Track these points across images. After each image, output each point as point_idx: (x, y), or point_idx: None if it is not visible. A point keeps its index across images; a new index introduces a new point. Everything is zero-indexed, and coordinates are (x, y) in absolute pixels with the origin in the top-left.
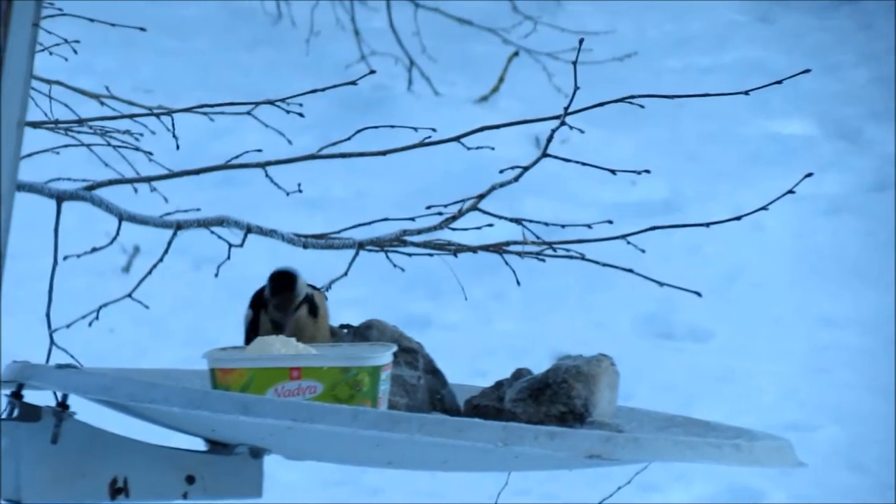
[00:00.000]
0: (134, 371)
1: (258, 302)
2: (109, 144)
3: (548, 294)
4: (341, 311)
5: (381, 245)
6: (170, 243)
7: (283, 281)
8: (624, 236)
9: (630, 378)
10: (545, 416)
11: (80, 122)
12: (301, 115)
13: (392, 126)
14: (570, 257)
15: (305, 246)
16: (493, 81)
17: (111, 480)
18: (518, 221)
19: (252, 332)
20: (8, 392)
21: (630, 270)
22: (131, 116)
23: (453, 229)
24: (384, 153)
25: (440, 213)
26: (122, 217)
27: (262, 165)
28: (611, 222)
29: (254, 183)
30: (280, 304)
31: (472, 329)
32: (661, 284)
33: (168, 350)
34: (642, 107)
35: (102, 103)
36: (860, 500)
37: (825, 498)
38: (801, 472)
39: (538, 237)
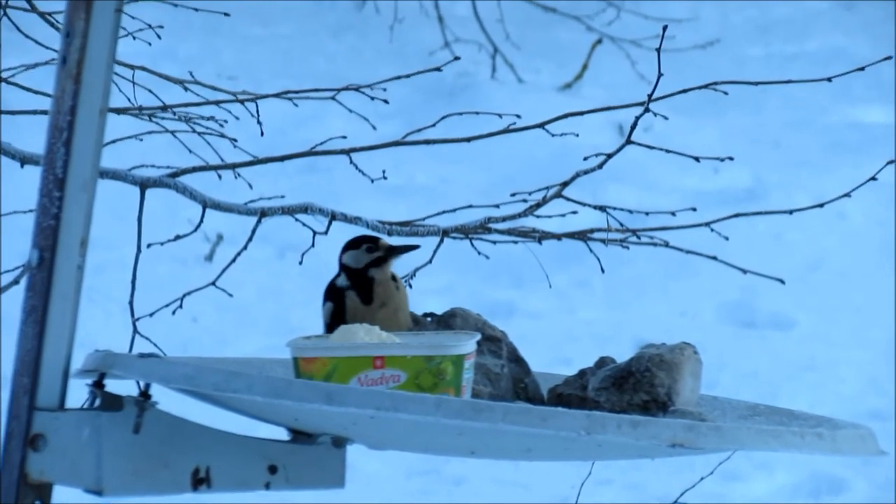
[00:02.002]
0: (217, 360)
1: (335, 292)
2: (193, 131)
3: (631, 282)
4: (425, 299)
5: (466, 232)
6: (254, 231)
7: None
8: (707, 224)
9: (713, 366)
10: (628, 404)
11: (164, 108)
12: (385, 101)
13: (476, 113)
14: (654, 244)
15: (390, 233)
16: (576, 69)
17: (193, 471)
18: (602, 209)
19: (335, 323)
20: (90, 381)
21: (714, 258)
22: (216, 102)
23: (537, 216)
24: (468, 140)
25: (524, 201)
26: (206, 204)
27: (347, 152)
28: (694, 210)
29: (338, 170)
30: (372, 245)
31: (556, 317)
32: (745, 272)
33: (251, 339)
34: (726, 94)
35: (186, 89)
36: None
37: None
38: (882, 461)
39: (622, 224)
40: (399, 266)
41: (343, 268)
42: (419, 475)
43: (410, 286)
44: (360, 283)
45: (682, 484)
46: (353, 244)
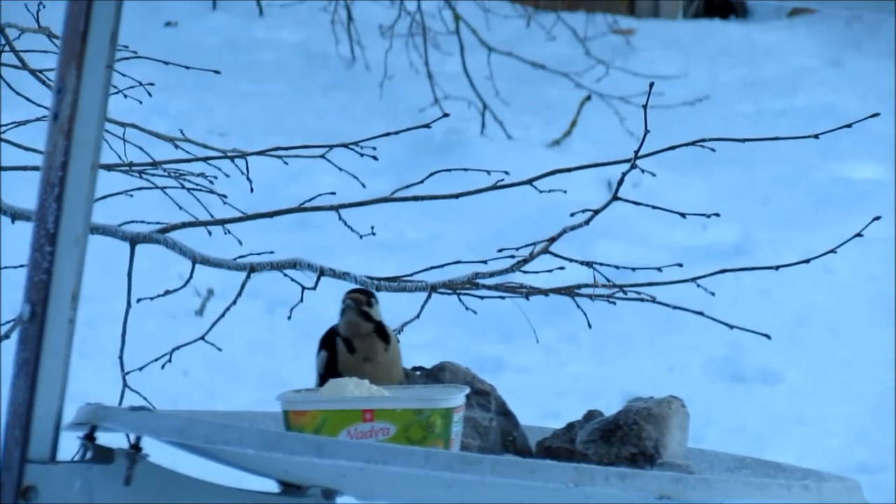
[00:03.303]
0: (207, 413)
1: (329, 341)
2: (183, 187)
3: (619, 337)
4: (414, 353)
5: (454, 288)
6: (243, 286)
7: (358, 289)
8: (694, 279)
9: (700, 420)
10: (616, 457)
11: (155, 164)
12: (375, 157)
13: (465, 169)
14: (641, 300)
15: (378, 288)
16: (565, 125)
17: None
18: (589, 264)
19: (328, 373)
20: (81, 434)
21: (700, 313)
22: (205, 159)
23: (525, 272)
24: (457, 196)
25: (512, 256)
26: (196, 260)
27: (336, 208)
28: (681, 265)
29: (327, 226)
30: (355, 300)
31: (544, 371)
32: (732, 327)
33: (241, 392)
34: (713, 150)
35: (177, 146)
36: None
37: None
38: None
39: (609, 280)
40: (388, 320)
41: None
42: None
43: (399, 340)
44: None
45: None
46: (352, 293)
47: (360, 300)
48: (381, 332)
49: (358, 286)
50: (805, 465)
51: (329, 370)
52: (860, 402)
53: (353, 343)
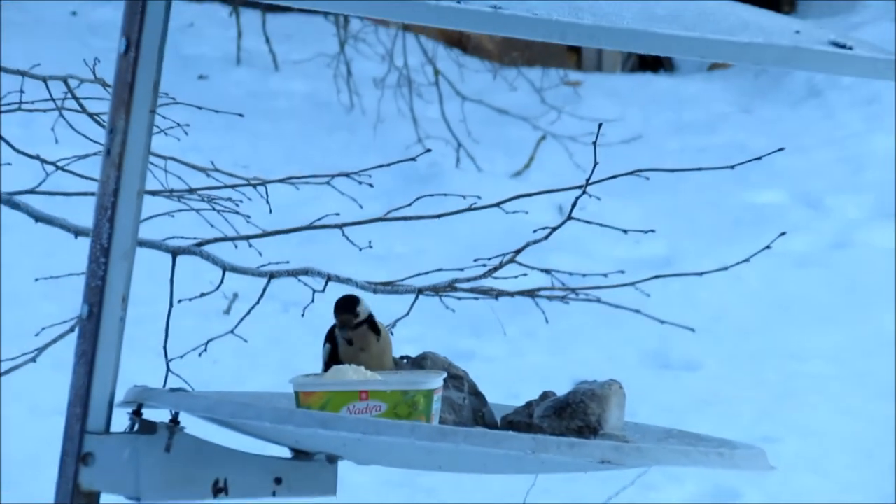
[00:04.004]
0: (233, 394)
1: (332, 335)
2: (214, 209)
3: (570, 331)
4: (402, 345)
5: (436, 291)
6: (264, 290)
7: (343, 304)
8: (632, 283)
9: (635, 399)
10: (566, 429)
11: (191, 191)
12: (370, 185)
13: (444, 195)
14: (589, 300)
15: (375, 291)
16: (525, 160)
17: (214, 482)
18: (547, 272)
19: (331, 361)
20: (130, 410)
21: (637, 311)
22: (232, 186)
23: (495, 278)
24: (438, 217)
25: (484, 265)
26: (225, 268)
27: (339, 226)
28: (622, 272)
29: (332, 241)
30: (343, 323)
31: (508, 360)
32: (662, 322)
33: (262, 377)
34: (647, 179)
35: (209, 175)
36: (821, 500)
37: (791, 497)
38: (772, 475)
39: (563, 284)
40: (382, 318)
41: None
42: (397, 486)
43: (392, 333)
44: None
45: (610, 492)
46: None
47: (348, 321)
48: (373, 325)
49: (344, 297)
50: (720, 436)
51: (332, 359)
52: (764, 386)
53: (350, 338)
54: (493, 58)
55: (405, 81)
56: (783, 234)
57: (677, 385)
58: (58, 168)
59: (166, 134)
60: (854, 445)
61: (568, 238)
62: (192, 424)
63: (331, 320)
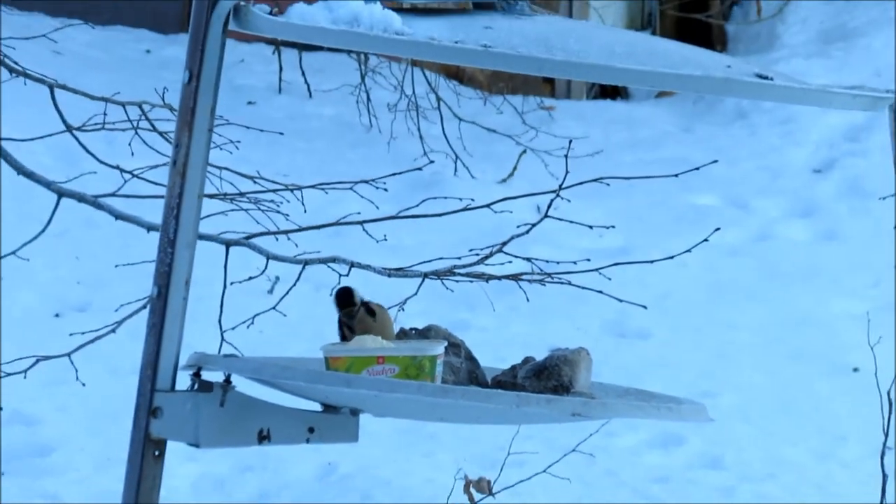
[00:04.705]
0: (274, 359)
1: (338, 324)
2: (259, 209)
3: (546, 308)
4: (411, 319)
5: (439, 275)
6: (300, 274)
7: (343, 298)
8: (596, 269)
9: (599, 363)
10: (544, 388)
11: (241, 194)
12: (385, 190)
13: (445, 198)
14: (562, 283)
15: (389, 275)
16: (509, 169)
17: (259, 430)
18: (528, 260)
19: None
20: (191, 372)
21: (600, 292)
22: (274, 191)
23: (486, 265)
24: (440, 215)
25: (477, 255)
26: (269, 257)
27: (360, 223)
28: (588, 260)
29: (354, 235)
30: (348, 314)
31: (497, 331)
32: (620, 301)
33: (298, 345)
34: (608, 185)
35: (255, 182)
36: (750, 443)
37: (726, 443)
38: (711, 425)
39: (541, 270)
40: (392, 298)
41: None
42: (406, 433)
43: (403, 310)
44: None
45: (578, 437)
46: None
47: (350, 312)
48: (368, 309)
49: (341, 290)
50: (668, 393)
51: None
52: (704, 352)
53: (352, 325)
54: (484, 87)
55: (413, 106)
56: (717, 229)
57: (633, 351)
58: (134, 176)
59: (221, 149)
60: (775, 399)
61: (544, 233)
62: (242, 384)
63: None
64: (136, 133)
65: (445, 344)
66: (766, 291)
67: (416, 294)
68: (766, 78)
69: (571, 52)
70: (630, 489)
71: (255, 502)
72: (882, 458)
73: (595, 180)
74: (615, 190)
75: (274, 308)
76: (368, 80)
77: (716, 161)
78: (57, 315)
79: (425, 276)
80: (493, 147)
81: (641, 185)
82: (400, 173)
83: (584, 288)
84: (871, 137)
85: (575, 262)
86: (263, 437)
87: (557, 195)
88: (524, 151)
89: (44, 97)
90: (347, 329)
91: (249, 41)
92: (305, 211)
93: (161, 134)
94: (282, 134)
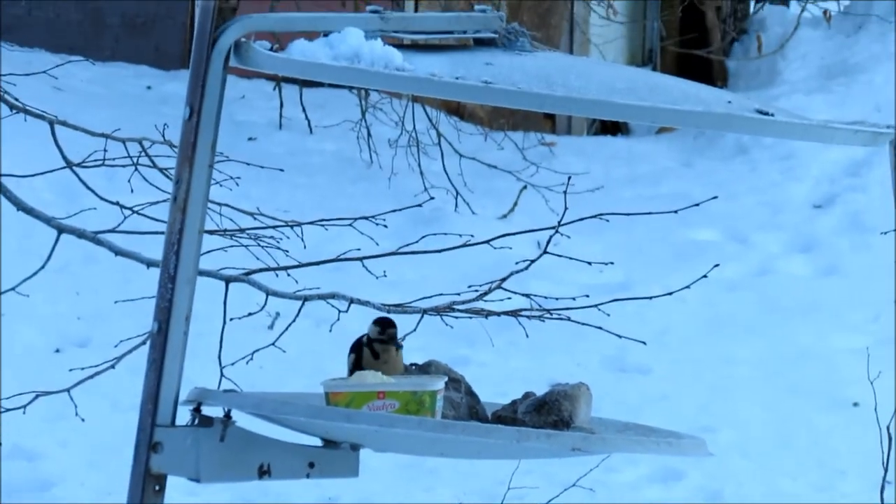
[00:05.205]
0: (274, 394)
1: (357, 347)
2: (260, 245)
3: (546, 343)
4: (411, 354)
5: (438, 311)
6: (299, 310)
7: (391, 323)
8: (595, 305)
9: (598, 398)
10: (544, 423)
11: (241, 230)
12: (385, 226)
13: (445, 234)
14: (561, 319)
15: (388, 311)
16: (509, 205)
17: (259, 465)
18: (527, 296)
19: (355, 368)
20: (191, 407)
21: (599, 328)
22: (274, 227)
23: (485, 301)
24: (440, 251)
25: (476, 290)
26: (268, 293)
27: (360, 259)
28: (587, 296)
29: (354, 271)
30: (391, 337)
31: (497, 366)
32: (619, 336)
33: (298, 381)
34: (608, 220)
35: (255, 218)
36: (749, 478)
37: (726, 478)
38: (710, 459)
39: (540, 306)
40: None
41: (368, 334)
42: (407, 468)
43: (401, 346)
44: (372, 347)
45: (578, 472)
46: (377, 321)
47: (394, 336)
48: (397, 343)
49: (388, 318)
50: (667, 428)
51: (356, 367)
52: (702, 386)
53: (377, 350)
54: (484, 123)
55: (414, 142)
56: (717, 265)
57: (632, 386)
58: (134, 212)
59: (221, 185)
60: (775, 433)
61: (544, 268)
62: (242, 419)
63: (354, 335)
64: (137, 169)
65: (446, 379)
66: (766, 326)
67: (415, 330)
68: (766, 114)
69: (572, 88)
70: None
71: None
72: (882, 492)
73: (595, 216)
74: (615, 225)
75: (273, 344)
76: (369, 116)
77: (716, 197)
78: (57, 350)
79: (424, 312)
80: (493, 183)
81: (641, 221)
82: (400, 210)
83: (583, 324)
84: (871, 173)
85: (574, 299)
86: (264, 472)
87: (557, 231)
88: (525, 187)
89: (44, 133)
90: (373, 351)
91: (250, 77)
92: (305, 247)
93: (161, 170)
94: (282, 170)
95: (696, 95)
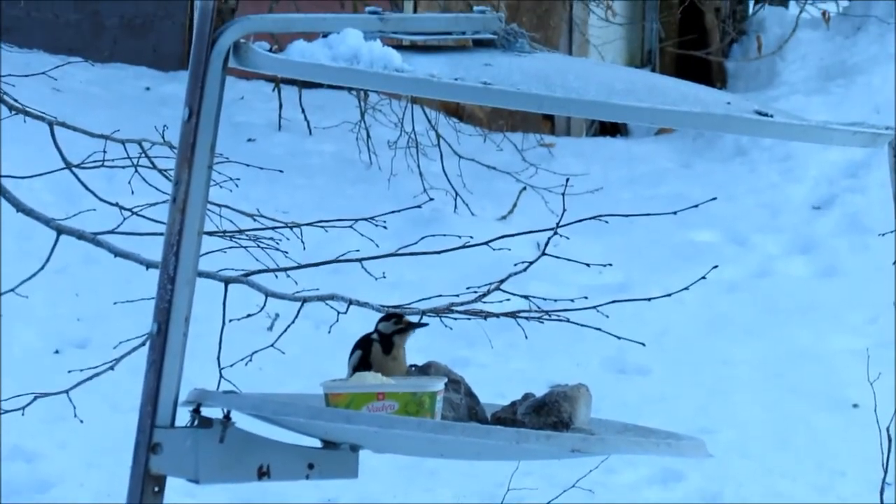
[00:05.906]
0: (274, 395)
1: (365, 343)
2: (259, 246)
3: (545, 345)
4: (411, 355)
5: (437, 312)
6: (298, 311)
7: (398, 313)
8: (594, 306)
9: (598, 399)
10: (544, 424)
11: (240, 231)
12: (385, 227)
13: (444, 235)
14: (560, 320)
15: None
16: (509, 206)
17: (258, 466)
18: (526, 297)
19: (361, 365)
20: (191, 409)
21: (598, 329)
22: (273, 228)
23: (484, 302)
24: (439, 252)
25: (475, 292)
26: (267, 294)
27: (360, 260)
28: (586, 297)
29: (354, 272)
30: (408, 324)
31: (496, 367)
32: (619, 338)
33: (297, 382)
34: (607, 222)
35: (255, 219)
36: (748, 479)
37: (725, 479)
38: (710, 461)
39: (539, 307)
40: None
41: (377, 330)
42: (406, 469)
43: (427, 324)
44: (385, 342)
45: (579, 474)
46: (387, 317)
47: (406, 325)
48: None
49: (395, 312)
50: (667, 429)
51: (362, 363)
52: (701, 387)
53: (395, 342)
54: (484, 124)
55: (413, 143)
56: (716, 266)
57: (632, 387)
58: (133, 213)
59: (220, 186)
60: (774, 434)
61: (543, 270)
62: (241, 420)
63: (354, 336)
64: (136, 170)
65: (445, 380)
66: (766, 327)
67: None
68: (765, 115)
69: (571, 90)
70: None
71: None
72: (881, 493)
73: (594, 217)
74: (614, 227)
75: (273, 345)
76: (368, 118)
77: (715, 198)
78: (56, 352)
79: (423, 313)
80: (492, 184)
81: (640, 222)
82: (399, 211)
83: (582, 325)
84: (870, 174)
85: (573, 300)
86: (263, 473)
87: (556, 232)
88: (524, 188)
89: (44, 134)
90: (384, 347)
91: (249, 78)
92: (304, 248)
93: (161, 171)
94: (281, 171)
95: (694, 96)
